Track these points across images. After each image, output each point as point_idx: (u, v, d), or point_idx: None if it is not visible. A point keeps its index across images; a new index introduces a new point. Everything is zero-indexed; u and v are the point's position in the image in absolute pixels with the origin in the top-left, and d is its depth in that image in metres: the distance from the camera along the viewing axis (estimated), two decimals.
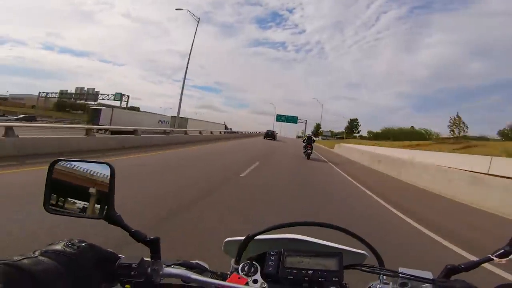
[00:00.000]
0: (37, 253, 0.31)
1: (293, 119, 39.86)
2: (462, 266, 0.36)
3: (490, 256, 0.35)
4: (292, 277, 0.37)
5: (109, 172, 0.37)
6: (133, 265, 0.34)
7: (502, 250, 0.35)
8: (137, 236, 0.37)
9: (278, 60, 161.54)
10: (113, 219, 0.36)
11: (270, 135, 24.99)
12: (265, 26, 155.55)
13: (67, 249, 0.32)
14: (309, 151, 9.85)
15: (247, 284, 0.36)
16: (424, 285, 0.35)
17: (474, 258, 0.45)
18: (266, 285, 0.36)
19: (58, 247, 0.32)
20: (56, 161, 0.39)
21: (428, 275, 0.35)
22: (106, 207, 0.36)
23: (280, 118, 39.39)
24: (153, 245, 0.37)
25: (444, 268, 0.36)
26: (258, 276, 0.37)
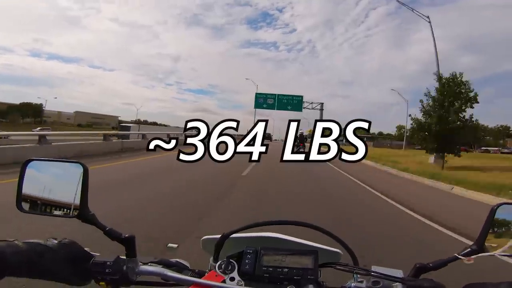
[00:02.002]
0: (16, 240, 0.34)
1: (293, 103, 19.90)
2: (431, 265, 0.38)
3: (457, 255, 0.37)
4: (268, 275, 0.39)
5: (82, 171, 0.39)
6: (108, 263, 0.37)
7: (469, 249, 0.38)
8: (111, 235, 0.39)
9: (270, 60, 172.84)
10: (86, 217, 0.39)
11: (266, 137, 32.24)
12: (256, 27, 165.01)
13: (47, 242, 0.36)
14: (301, 150, 9.86)
15: (224, 281, 0.38)
16: (395, 284, 0.37)
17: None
18: (242, 282, 0.39)
19: (39, 240, 0.36)
20: (29, 161, 0.41)
21: (399, 273, 0.38)
22: (79, 206, 0.38)
23: (265, 100, 19.97)
24: (128, 243, 0.39)
25: (413, 266, 0.39)
26: (235, 274, 0.39)
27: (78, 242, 0.38)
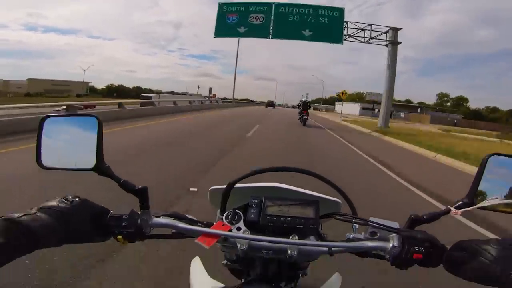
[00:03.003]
0: (34, 210, 0.38)
1: (321, 23, 11.12)
2: (425, 217, 0.44)
3: (450, 208, 0.43)
4: (272, 224, 0.46)
5: (97, 125, 0.44)
6: (124, 216, 0.42)
7: (461, 202, 0.43)
8: (126, 186, 0.44)
9: None
10: (102, 170, 0.44)
11: (270, 104, 44.04)
12: None
13: (61, 204, 0.39)
14: (305, 117, 11.21)
15: (230, 231, 0.45)
16: (391, 235, 0.43)
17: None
18: (248, 231, 0.45)
19: (53, 203, 0.39)
20: (46, 118, 0.45)
21: (395, 225, 0.44)
22: (95, 159, 0.43)
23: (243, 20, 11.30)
24: (142, 195, 0.44)
25: (408, 218, 0.44)
26: (241, 224, 0.46)
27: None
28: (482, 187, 0.42)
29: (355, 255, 0.46)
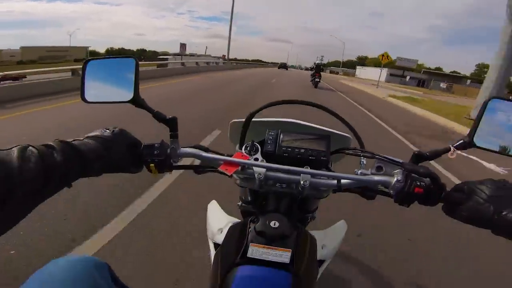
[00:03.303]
0: (81, 137, 0.44)
1: None
2: (427, 154, 0.47)
3: (450, 146, 0.46)
4: (287, 155, 0.53)
5: (134, 65, 0.51)
6: (156, 145, 0.50)
7: (461, 141, 0.46)
8: (158, 116, 0.51)
9: None
10: (138, 102, 0.51)
11: (283, 66, 46.73)
12: None
13: (104, 133, 0.46)
14: (317, 79, 12.12)
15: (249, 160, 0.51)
16: (396, 171, 0.47)
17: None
18: (265, 160, 0.53)
19: (97, 132, 0.46)
20: (88, 61, 0.54)
21: (400, 160, 0.48)
22: (133, 93, 0.50)
23: None
24: (172, 124, 0.51)
25: (412, 154, 0.48)
26: (258, 155, 0.53)
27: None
28: (481, 128, 0.45)
29: (361, 196, 0.52)
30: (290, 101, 0.59)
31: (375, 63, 64.81)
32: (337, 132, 0.61)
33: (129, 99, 0.50)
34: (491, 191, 0.40)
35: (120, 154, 0.47)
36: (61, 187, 0.38)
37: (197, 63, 17.16)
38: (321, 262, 0.65)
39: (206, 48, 71.88)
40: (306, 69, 52.17)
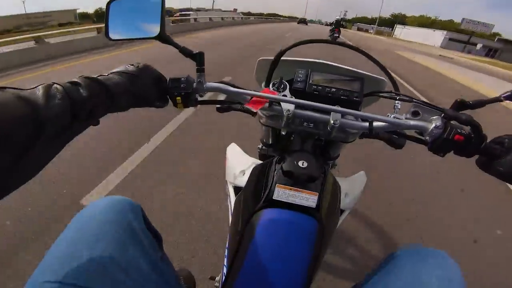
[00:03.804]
0: (106, 73, 0.49)
1: None
2: (471, 102, 0.51)
3: (499, 97, 0.50)
4: (317, 93, 0.58)
5: (161, 1, 0.57)
6: (182, 79, 0.57)
7: (510, 92, 0.49)
8: (185, 51, 0.58)
9: None
10: (164, 38, 0.57)
11: (303, 21, 50.93)
12: None
13: (128, 68, 0.52)
14: (336, 35, 13.83)
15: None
16: (434, 117, 0.50)
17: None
18: (294, 98, 0.56)
19: (122, 68, 0.52)
20: (111, 1, 0.60)
21: (439, 106, 0.51)
22: (159, 29, 0.56)
23: None
24: (200, 58, 0.57)
25: (454, 101, 0.51)
26: (287, 92, 0.58)
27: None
28: None
29: (389, 144, 0.58)
30: (321, 41, 0.65)
31: (419, 22, 62.64)
32: (371, 74, 0.66)
33: (155, 35, 0.57)
34: None
35: (147, 88, 0.54)
36: (89, 123, 0.45)
37: (210, 18, 19.62)
38: (342, 211, 0.72)
39: (214, 1, 76.45)
40: (327, 24, 53.10)
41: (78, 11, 62.62)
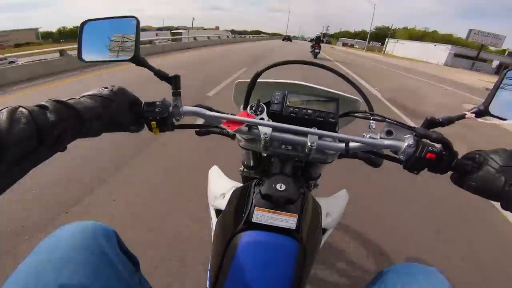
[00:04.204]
0: (77, 96, 0.53)
1: None
2: (440, 120, 0.60)
3: (465, 112, 0.60)
4: (294, 115, 0.67)
5: (135, 24, 0.63)
6: (157, 103, 0.62)
7: (477, 109, 0.60)
8: (160, 74, 0.64)
9: None
10: (139, 60, 0.63)
11: (287, 38, 62.66)
12: None
13: (102, 91, 0.57)
14: (317, 50, 17.38)
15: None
16: (407, 135, 0.59)
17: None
18: (271, 120, 0.64)
19: (95, 91, 0.57)
20: (85, 22, 0.66)
21: (411, 125, 0.60)
22: (134, 51, 0.62)
23: None
24: (175, 81, 0.63)
25: (424, 119, 0.61)
26: (264, 115, 0.66)
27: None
28: (497, 98, 0.60)
29: (367, 163, 0.67)
30: (297, 62, 0.74)
31: (410, 35, 65.24)
32: (346, 95, 0.78)
33: (129, 57, 0.63)
34: (504, 161, 0.50)
35: (121, 112, 0.59)
36: (56, 149, 0.48)
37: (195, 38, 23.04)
38: (324, 230, 0.79)
39: (193, 19, 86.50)
40: (310, 40, 58.11)
41: (40, 30, 64.38)
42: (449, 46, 45.23)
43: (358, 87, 0.75)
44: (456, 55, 43.85)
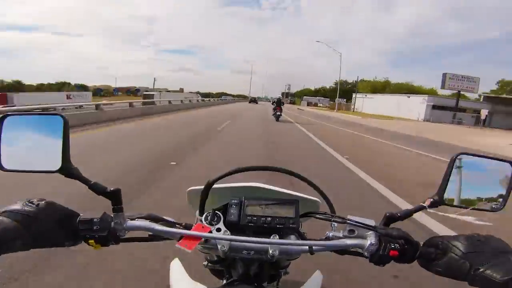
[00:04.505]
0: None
1: None
2: (399, 214, 0.68)
3: (423, 204, 0.68)
4: (253, 224, 0.70)
5: (62, 124, 0.60)
6: (95, 220, 0.61)
7: (432, 200, 0.68)
8: (96, 188, 0.63)
9: (254, 19, 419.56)
10: (69, 171, 0.61)
11: (253, 100, 79.34)
12: None
13: (25, 208, 0.56)
14: (278, 113, 19.70)
15: (210, 232, 0.66)
16: (368, 232, 0.67)
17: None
18: (229, 232, 0.68)
19: (17, 206, 0.56)
20: (5, 117, 0.61)
21: (371, 222, 0.68)
22: (61, 160, 0.60)
23: None
24: (115, 197, 0.63)
25: (384, 216, 0.69)
26: (221, 225, 0.69)
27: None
28: (450, 185, 0.68)
29: (335, 252, 0.70)
30: (255, 168, 0.79)
31: (373, 87, 67.32)
32: (305, 196, 0.83)
33: (56, 168, 0.61)
34: (466, 247, 0.59)
35: (48, 230, 0.58)
36: None
37: (182, 101, 28.15)
38: None
39: (155, 79, 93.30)
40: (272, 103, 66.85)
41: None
42: (426, 97, 45.14)
43: (319, 189, 0.80)
44: (436, 107, 43.66)
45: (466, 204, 0.69)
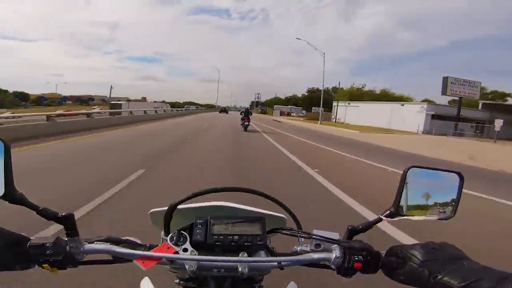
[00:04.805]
0: None
1: None
2: (360, 227, 0.79)
3: (380, 216, 0.79)
4: (220, 243, 0.76)
5: (3, 148, 0.61)
6: (47, 244, 0.63)
7: (388, 211, 0.79)
8: (46, 214, 0.65)
9: (222, 28, 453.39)
10: (14, 197, 0.63)
11: (224, 110, 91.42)
12: None
13: None
14: (246, 123, 22.00)
15: (176, 253, 0.71)
16: (333, 246, 0.76)
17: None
18: (196, 252, 0.73)
19: None
20: None
21: (336, 235, 0.78)
22: (3, 186, 0.61)
23: None
24: (67, 222, 0.67)
25: (346, 229, 0.80)
26: (187, 245, 0.74)
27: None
28: (404, 196, 0.79)
29: (304, 266, 0.79)
30: (219, 189, 0.84)
31: (351, 94, 65.37)
32: (271, 213, 0.94)
33: (0, 194, 0.63)
34: (422, 255, 0.67)
35: None
36: None
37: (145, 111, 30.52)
38: None
39: (111, 87, 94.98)
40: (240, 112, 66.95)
41: None
42: (425, 105, 42.68)
43: (285, 206, 0.90)
44: (434, 117, 41.50)
45: (419, 214, 0.80)
